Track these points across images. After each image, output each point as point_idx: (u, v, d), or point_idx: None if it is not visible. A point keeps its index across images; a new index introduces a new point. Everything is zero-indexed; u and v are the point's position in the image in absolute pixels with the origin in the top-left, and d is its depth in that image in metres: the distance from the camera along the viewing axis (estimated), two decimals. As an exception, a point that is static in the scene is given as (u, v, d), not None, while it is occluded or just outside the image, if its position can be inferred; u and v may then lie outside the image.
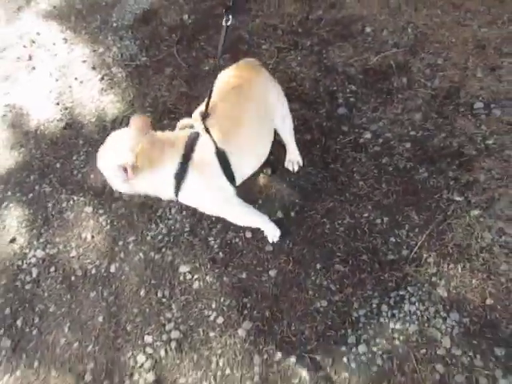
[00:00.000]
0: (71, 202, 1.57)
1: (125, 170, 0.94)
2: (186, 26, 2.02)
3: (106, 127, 1.74)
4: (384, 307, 1.15)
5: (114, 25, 2.16)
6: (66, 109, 1.88)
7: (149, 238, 1.42)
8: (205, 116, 1.04)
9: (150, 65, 1.92)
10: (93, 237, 1.47)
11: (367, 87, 1.57)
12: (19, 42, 2.26)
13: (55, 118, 1.86)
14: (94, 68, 1.99)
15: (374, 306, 1.16)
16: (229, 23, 1.02)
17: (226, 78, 1.13)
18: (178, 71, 1.86)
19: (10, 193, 1.67)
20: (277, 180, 1.43)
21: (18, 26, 2.36)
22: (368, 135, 1.46)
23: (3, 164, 1.77)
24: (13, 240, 1.54)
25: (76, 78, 1.99)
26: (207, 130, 1.02)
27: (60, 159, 1.71)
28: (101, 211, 1.52)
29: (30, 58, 2.16)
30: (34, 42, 2.24)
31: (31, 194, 1.64)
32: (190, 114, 1.10)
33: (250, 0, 2.02)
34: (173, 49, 1.94)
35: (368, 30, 1.72)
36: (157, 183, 1.02)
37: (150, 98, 1.80)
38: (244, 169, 1.09)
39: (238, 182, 1.08)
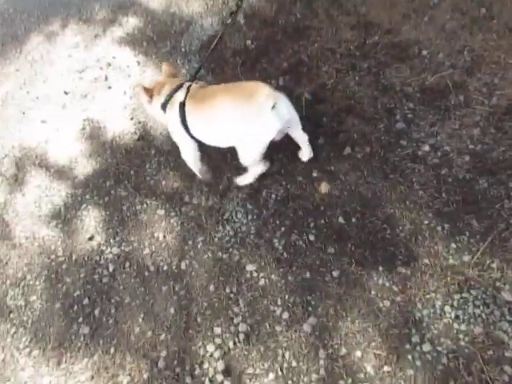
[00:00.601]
0: (145, 205, 1.71)
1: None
2: (249, 51, 2.19)
3: (175, 139, 1.90)
4: (447, 308, 1.19)
5: (183, 50, 2.37)
6: (140, 123, 2.06)
7: (216, 239, 1.53)
8: (192, 80, 1.50)
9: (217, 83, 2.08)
10: (164, 236, 1.59)
11: (424, 104, 1.65)
12: (96, 65, 2.51)
13: (129, 130, 2.04)
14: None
15: (438, 307, 1.20)
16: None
17: (240, 83, 1.46)
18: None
19: (88, 196, 1.84)
20: (338, 188, 1.52)
21: (95, 51, 2.62)
22: (426, 148, 1.52)
23: (82, 171, 1.95)
24: (91, 238, 1.69)
25: (148, 96, 2.17)
26: (188, 88, 1.43)
27: (134, 167, 1.87)
28: (172, 214, 1.65)
29: (106, 78, 2.39)
30: (110, 64, 2.47)
31: (107, 198, 1.80)
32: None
33: (309, 27, 2.17)
34: (237, 70, 2.10)
35: (424, 52, 1.81)
36: (157, 108, 1.52)
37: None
38: (195, 132, 1.45)
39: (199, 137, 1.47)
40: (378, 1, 2.13)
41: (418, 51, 1.82)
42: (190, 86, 1.46)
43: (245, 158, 1.42)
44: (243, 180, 1.58)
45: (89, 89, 2.38)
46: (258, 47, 2.19)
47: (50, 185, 1.95)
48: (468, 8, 1.91)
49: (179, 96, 1.43)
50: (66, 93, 2.42)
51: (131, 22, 2.70)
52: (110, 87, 2.34)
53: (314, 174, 1.58)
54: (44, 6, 3.28)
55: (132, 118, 2.10)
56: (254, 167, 1.49)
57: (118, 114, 2.16)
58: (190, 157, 1.60)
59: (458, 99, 1.63)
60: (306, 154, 1.57)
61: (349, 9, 2.16)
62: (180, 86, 1.47)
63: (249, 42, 2.23)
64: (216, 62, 2.19)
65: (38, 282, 1.62)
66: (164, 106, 1.48)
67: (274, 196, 1.57)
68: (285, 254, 1.42)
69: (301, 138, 1.51)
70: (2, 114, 2.48)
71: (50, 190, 1.93)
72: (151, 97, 1.53)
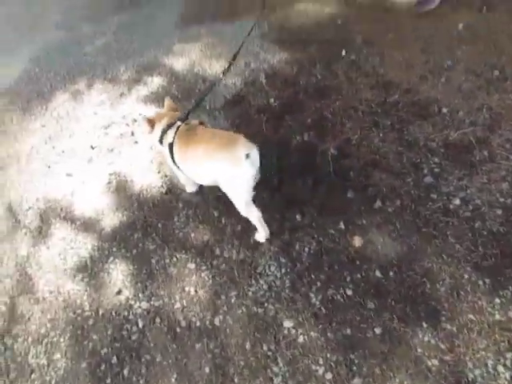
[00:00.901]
0: (174, 259, 1.70)
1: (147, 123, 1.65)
2: (272, 108, 2.28)
3: (203, 192, 1.92)
4: (500, 368, 1.15)
5: (208, 107, 2.46)
6: (166, 176, 2.09)
7: (250, 293, 1.50)
8: (183, 120, 1.63)
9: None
10: (196, 291, 1.57)
11: (450, 160, 1.69)
12: (122, 121, 2.59)
13: (156, 184, 2.07)
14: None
15: (490, 366, 1.15)
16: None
17: (222, 132, 1.56)
18: (268, 144, 2.06)
19: (115, 249, 1.83)
20: (372, 242, 1.51)
21: (121, 109, 2.72)
22: (457, 202, 1.54)
23: (109, 223, 1.96)
24: (119, 292, 1.66)
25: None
26: (177, 128, 1.58)
27: (162, 220, 1.88)
28: (203, 267, 1.63)
29: (133, 134, 2.46)
30: (135, 120, 2.56)
31: (135, 251, 1.79)
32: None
33: (329, 87, 2.27)
34: (262, 126, 2.17)
35: (444, 110, 1.88)
36: (155, 140, 1.65)
37: (243, 168, 1.98)
38: (182, 168, 1.62)
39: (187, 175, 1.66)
40: (394, 62, 2.25)
41: (437, 109, 1.90)
42: (180, 126, 1.61)
43: (236, 204, 1.54)
44: (260, 236, 1.63)
45: (115, 144, 2.44)
46: (281, 105, 2.27)
47: (76, 237, 1.94)
48: (482, 70, 2.01)
49: (170, 135, 1.60)
50: (92, 147, 2.48)
51: (156, 82, 2.83)
52: (136, 142, 2.40)
53: (345, 227, 1.58)
54: (70, 65, 3.46)
55: (159, 172, 2.13)
56: (252, 217, 1.56)
57: (144, 167, 2.20)
58: (183, 182, 1.90)
59: (482, 154, 1.67)
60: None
61: (367, 70, 2.28)
62: (172, 125, 1.62)
63: (272, 100, 2.33)
64: (241, 118, 2.27)
65: (62, 339, 1.57)
66: (160, 141, 1.63)
67: (306, 249, 1.56)
68: (323, 309, 1.39)
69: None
70: (26, 167, 2.52)
71: (75, 242, 1.92)
72: (152, 127, 1.67)
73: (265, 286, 1.50)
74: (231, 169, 1.39)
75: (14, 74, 3.64)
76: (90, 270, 1.78)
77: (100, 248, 1.85)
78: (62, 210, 2.13)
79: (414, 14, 2.49)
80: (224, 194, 1.55)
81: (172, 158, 1.61)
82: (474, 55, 2.07)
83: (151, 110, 2.57)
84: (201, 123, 1.62)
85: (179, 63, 2.96)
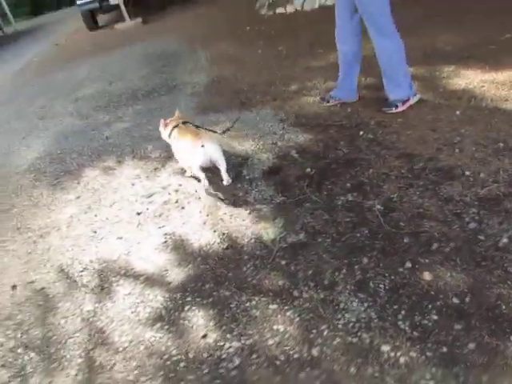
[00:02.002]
0: (253, 302, 1.81)
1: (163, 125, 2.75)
2: (310, 176, 2.58)
3: (266, 246, 2.10)
4: None
5: (247, 177, 2.73)
6: (224, 234, 2.26)
7: (340, 325, 1.63)
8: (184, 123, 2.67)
9: (289, 202, 2.39)
10: (285, 328, 1.67)
11: (485, 209, 2.02)
12: (163, 191, 2.79)
13: (215, 241, 2.22)
14: (239, 206, 2.45)
15: None
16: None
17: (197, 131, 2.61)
18: (315, 204, 2.32)
19: (189, 298, 1.91)
20: (440, 275, 1.73)
21: (158, 181, 2.93)
22: (505, 240, 1.82)
23: (175, 277, 2.05)
24: (205, 336, 1.71)
25: (225, 213, 2.43)
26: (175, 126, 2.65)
27: (231, 270, 2.01)
28: (285, 307, 1.75)
29: (177, 201, 2.65)
30: (177, 190, 2.76)
31: (211, 299, 1.88)
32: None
33: (357, 158, 2.64)
34: (304, 190, 2.45)
35: (467, 173, 2.26)
36: (165, 136, 2.73)
37: (299, 224, 2.20)
38: (176, 153, 2.78)
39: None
40: (410, 139, 2.69)
41: (461, 172, 2.28)
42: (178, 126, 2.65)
43: (187, 168, 2.78)
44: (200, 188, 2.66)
45: (161, 210, 2.60)
46: (318, 173, 2.59)
47: (143, 292, 2.00)
48: (487, 143, 2.47)
49: (173, 132, 2.65)
50: (138, 213, 2.62)
51: (188, 158, 3.07)
52: (183, 207, 2.58)
53: (412, 266, 1.80)
54: (94, 147, 3.69)
55: (215, 231, 2.29)
56: (201, 177, 2.63)
57: (197, 228, 2.36)
58: (183, 166, 2.87)
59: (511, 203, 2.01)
60: (225, 179, 2.66)
61: (387, 145, 2.69)
62: (176, 126, 2.63)
63: (308, 169, 2.64)
64: (283, 185, 2.55)
65: (155, 383, 1.57)
66: (169, 136, 2.69)
67: (382, 286, 1.74)
68: (414, 333, 1.53)
69: (222, 169, 2.63)
70: (69, 234, 2.60)
71: (144, 296, 1.97)
72: (166, 126, 2.74)
73: (353, 319, 1.64)
74: (192, 150, 2.45)
75: (34, 155, 3.81)
76: (168, 319, 1.82)
77: (172, 299, 1.92)
78: (120, 268, 2.19)
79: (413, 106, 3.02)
80: (290, 246, 1.77)
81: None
82: (477, 132, 2.54)
83: (191, 182, 2.79)
84: (184, 123, 2.64)
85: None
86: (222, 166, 2.58)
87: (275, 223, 2.25)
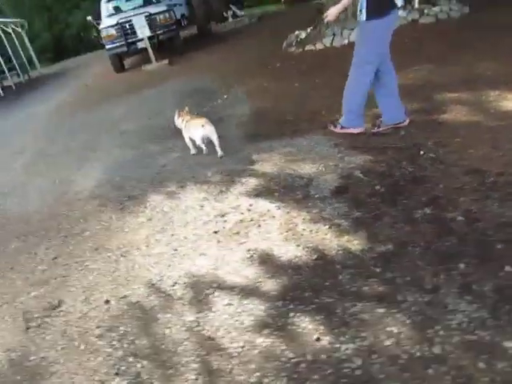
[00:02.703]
0: (359, 307, 1.87)
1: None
2: (381, 193, 2.69)
3: (356, 256, 2.18)
4: None
5: (316, 196, 2.84)
6: (308, 247, 2.34)
7: (454, 325, 1.68)
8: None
9: (367, 217, 2.49)
10: (399, 329, 1.72)
11: None
12: (235, 211, 2.90)
13: (302, 254, 2.31)
14: (317, 222, 2.55)
15: None
16: None
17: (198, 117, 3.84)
18: (394, 218, 2.41)
19: (292, 306, 1.98)
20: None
21: (227, 202, 3.05)
22: None
23: (271, 288, 2.12)
24: (318, 339, 1.77)
25: (304, 229, 2.53)
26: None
27: (327, 280, 2.08)
28: (393, 310, 1.81)
29: (252, 219, 2.75)
30: (249, 210, 2.87)
31: (314, 306, 1.95)
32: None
33: (425, 176, 2.75)
34: (378, 206, 2.55)
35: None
36: (179, 123, 4.15)
37: (383, 235, 2.29)
38: (185, 133, 4.00)
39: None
40: (473, 157, 2.81)
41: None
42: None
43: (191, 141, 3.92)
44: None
45: (238, 228, 2.70)
46: (388, 190, 2.70)
47: (241, 302, 2.07)
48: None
49: (186, 119, 3.87)
50: (215, 232, 2.72)
51: (252, 181, 3.23)
52: (259, 225, 2.68)
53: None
54: (152, 173, 3.85)
55: (298, 245, 2.38)
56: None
57: (280, 243, 2.45)
58: (188, 144, 4.00)
59: None
60: (218, 151, 3.71)
61: (451, 163, 2.81)
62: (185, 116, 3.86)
63: (377, 187, 2.75)
64: (355, 203, 2.65)
65: (279, 383, 1.62)
66: (181, 122, 3.91)
67: (486, 288, 1.80)
68: (533, 330, 1.59)
69: (216, 143, 3.70)
70: (150, 252, 2.69)
71: (243, 305, 2.04)
72: (179, 116, 4.01)
73: (465, 319, 1.69)
74: (196, 128, 3.66)
75: (93, 183, 3.96)
76: (275, 325, 1.88)
77: (274, 307, 1.99)
78: (211, 282, 2.27)
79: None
80: (380, 256, 1.92)
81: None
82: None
83: (260, 202, 2.90)
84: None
85: (267, 167, 3.41)
86: (216, 141, 3.67)
87: (359, 235, 2.33)
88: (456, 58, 4.91)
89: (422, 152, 3.01)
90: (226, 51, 9.68)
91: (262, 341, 1.81)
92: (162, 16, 10.02)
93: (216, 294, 2.16)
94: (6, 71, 13.52)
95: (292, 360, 1.69)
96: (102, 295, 2.39)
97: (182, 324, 2.02)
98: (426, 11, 6.08)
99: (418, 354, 1.59)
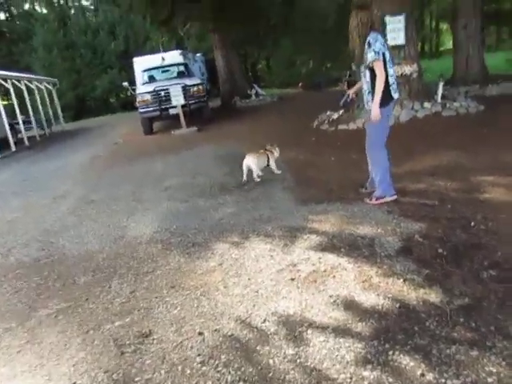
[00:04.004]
0: (453, 349, 2.08)
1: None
2: (444, 255, 2.98)
3: (438, 307, 2.42)
4: None
5: (382, 254, 3.12)
6: (388, 297, 2.58)
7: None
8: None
9: (436, 274, 2.76)
10: (497, 369, 1.93)
11: None
12: (306, 263, 3.15)
13: (384, 302, 2.53)
14: (390, 276, 2.81)
15: None
16: None
17: None
18: (463, 277, 2.68)
19: (387, 346, 2.17)
20: None
21: (296, 254, 3.31)
22: None
23: (363, 330, 2.31)
24: (422, 375, 1.96)
25: (380, 282, 2.77)
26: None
27: (414, 325, 2.30)
28: (487, 353, 2.03)
29: (325, 270, 3.00)
30: (320, 262, 3.13)
31: (409, 346, 2.15)
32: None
33: (479, 244, 3.06)
34: (445, 266, 2.83)
35: None
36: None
37: (457, 291, 2.54)
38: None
39: None
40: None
41: None
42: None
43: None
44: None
45: (313, 277, 2.93)
46: (450, 253, 2.99)
47: (337, 339, 2.25)
48: None
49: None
50: (292, 279, 2.95)
51: (314, 238, 3.51)
52: (334, 276, 2.92)
53: None
54: (210, 225, 4.12)
55: (378, 295, 2.62)
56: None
57: (360, 292, 2.68)
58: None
59: None
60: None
61: (504, 233, 3.13)
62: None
63: (440, 250, 3.05)
64: (422, 262, 2.93)
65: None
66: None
67: None
68: None
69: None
70: (230, 292, 2.89)
71: (339, 343, 2.22)
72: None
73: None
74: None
75: (150, 230, 4.22)
76: (376, 361, 2.07)
77: (371, 346, 2.17)
78: (301, 321, 2.46)
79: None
80: (460, 308, 2.11)
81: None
82: None
83: (328, 256, 3.17)
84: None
85: (325, 227, 3.72)
86: (254, 171, 5.23)
87: (434, 290, 2.58)
88: (479, 147, 5.48)
89: (472, 223, 3.35)
90: (253, 124, 10.42)
91: (369, 374, 1.99)
92: (195, 88, 10.91)
93: (309, 331, 2.35)
94: (34, 122, 14.22)
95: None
96: (193, 327, 2.55)
97: (284, 356, 2.19)
98: (447, 105, 6.81)
99: (525, 390, 1.78)
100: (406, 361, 2.04)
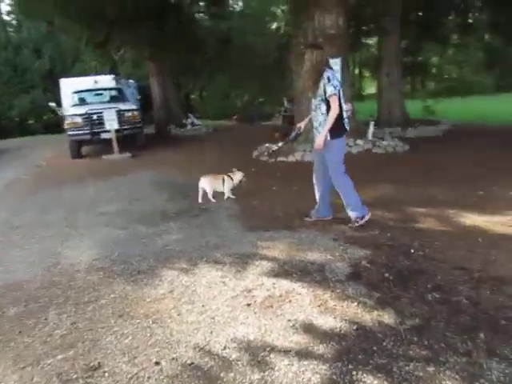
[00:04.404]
0: (411, 366, 2.19)
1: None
2: (391, 280, 3.17)
3: (392, 327, 2.55)
4: None
5: (333, 279, 3.23)
6: (345, 320, 2.66)
7: (494, 380, 2.08)
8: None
9: (386, 297, 2.92)
10: (452, 382, 2.07)
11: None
12: (261, 288, 3.15)
13: (341, 325, 2.61)
14: (344, 300, 2.91)
15: None
16: None
17: None
18: (410, 300, 2.87)
19: (351, 366, 2.22)
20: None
21: (250, 279, 3.29)
22: None
23: (325, 351, 2.35)
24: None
25: (335, 305, 2.86)
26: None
27: (373, 345, 2.39)
28: (441, 368, 2.16)
29: (281, 295, 3.03)
30: (274, 287, 3.16)
31: (370, 366, 2.22)
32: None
33: (420, 269, 3.31)
34: (393, 289, 3.01)
35: (516, 279, 3.02)
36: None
37: (408, 312, 2.71)
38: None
39: None
40: (456, 256, 3.45)
41: (508, 278, 3.02)
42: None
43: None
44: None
45: (269, 302, 2.92)
46: (396, 277, 3.18)
47: (301, 362, 2.25)
48: (517, 261, 3.30)
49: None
50: (247, 304, 2.93)
51: (265, 264, 3.54)
52: (290, 301, 2.96)
53: (520, 340, 2.36)
54: (155, 252, 3.98)
55: (335, 317, 2.69)
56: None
57: (317, 315, 2.73)
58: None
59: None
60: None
61: (440, 259, 3.42)
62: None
63: (386, 274, 3.24)
64: (371, 286, 3.09)
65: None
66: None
67: (506, 351, 2.26)
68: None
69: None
70: (185, 319, 2.78)
71: (304, 366, 2.21)
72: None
73: (501, 375, 2.10)
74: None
75: (87, 257, 3.98)
76: (342, 382, 2.10)
77: (334, 367, 2.20)
78: (261, 346, 2.44)
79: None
80: (412, 328, 2.28)
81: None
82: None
83: (283, 281, 3.22)
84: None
85: (275, 253, 3.77)
86: (208, 193, 5.44)
87: (386, 311, 2.72)
88: (410, 182, 5.98)
89: (412, 250, 3.61)
90: (190, 153, 10.38)
91: (337, 396, 2.01)
92: (130, 113, 10.68)
93: (272, 355, 2.33)
94: None
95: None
96: (147, 357, 2.40)
97: (250, 381, 2.14)
98: (377, 143, 7.40)
99: (478, 401, 1.91)
100: (370, 380, 2.09)
